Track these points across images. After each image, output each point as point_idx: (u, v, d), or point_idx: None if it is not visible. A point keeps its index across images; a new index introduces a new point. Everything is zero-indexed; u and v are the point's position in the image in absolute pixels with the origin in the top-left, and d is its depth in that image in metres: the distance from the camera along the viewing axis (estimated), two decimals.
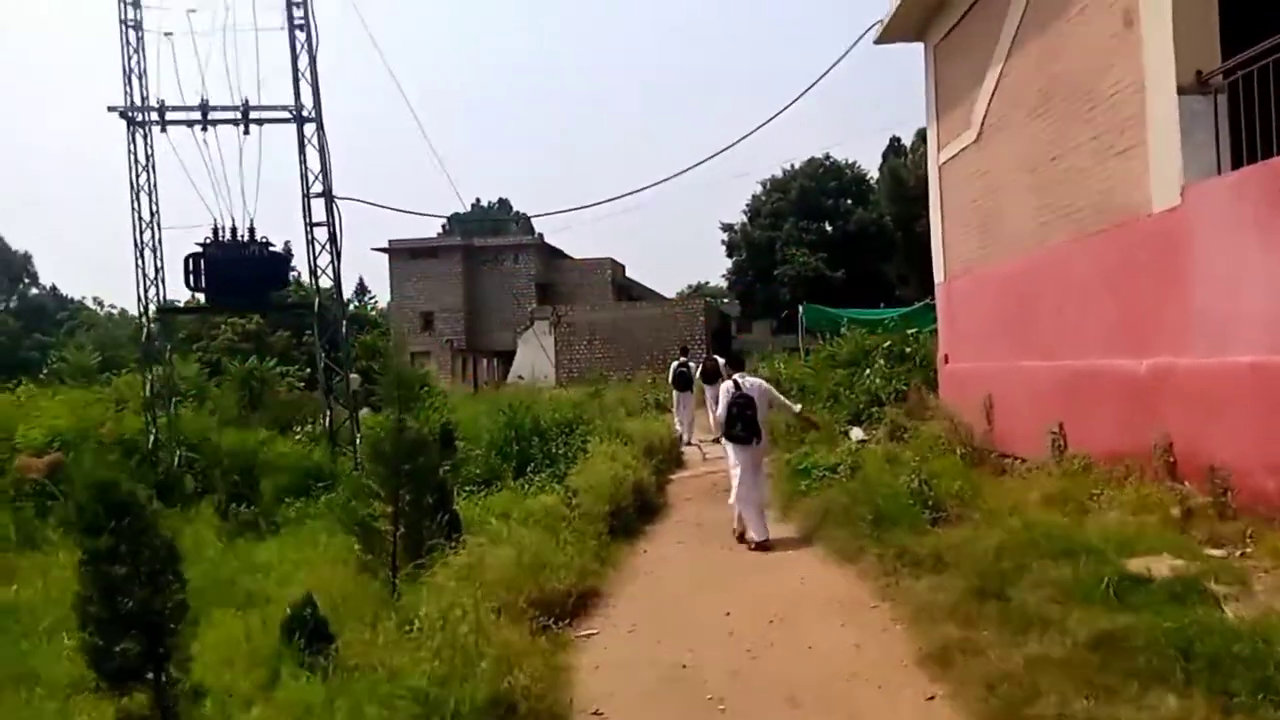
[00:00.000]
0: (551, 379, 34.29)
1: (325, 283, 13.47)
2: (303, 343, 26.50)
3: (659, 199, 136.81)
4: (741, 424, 8.07)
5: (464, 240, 52.63)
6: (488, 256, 50.97)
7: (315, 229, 13.01)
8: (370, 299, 74.41)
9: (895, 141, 47.97)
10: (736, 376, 8.27)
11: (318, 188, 13.00)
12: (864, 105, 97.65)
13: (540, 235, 54.50)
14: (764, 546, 7.75)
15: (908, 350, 15.71)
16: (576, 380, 34.63)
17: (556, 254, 53.06)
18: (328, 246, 12.94)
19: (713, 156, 23.07)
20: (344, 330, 12.97)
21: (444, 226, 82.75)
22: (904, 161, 44.40)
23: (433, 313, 50.17)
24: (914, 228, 41.80)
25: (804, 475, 9.55)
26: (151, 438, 12.96)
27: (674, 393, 16.78)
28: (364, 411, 13.87)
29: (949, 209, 11.39)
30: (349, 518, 7.12)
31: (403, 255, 50.58)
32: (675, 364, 16.85)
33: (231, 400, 18.28)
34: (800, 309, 26.72)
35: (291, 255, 24.34)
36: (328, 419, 13.02)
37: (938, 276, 11.90)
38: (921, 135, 43.36)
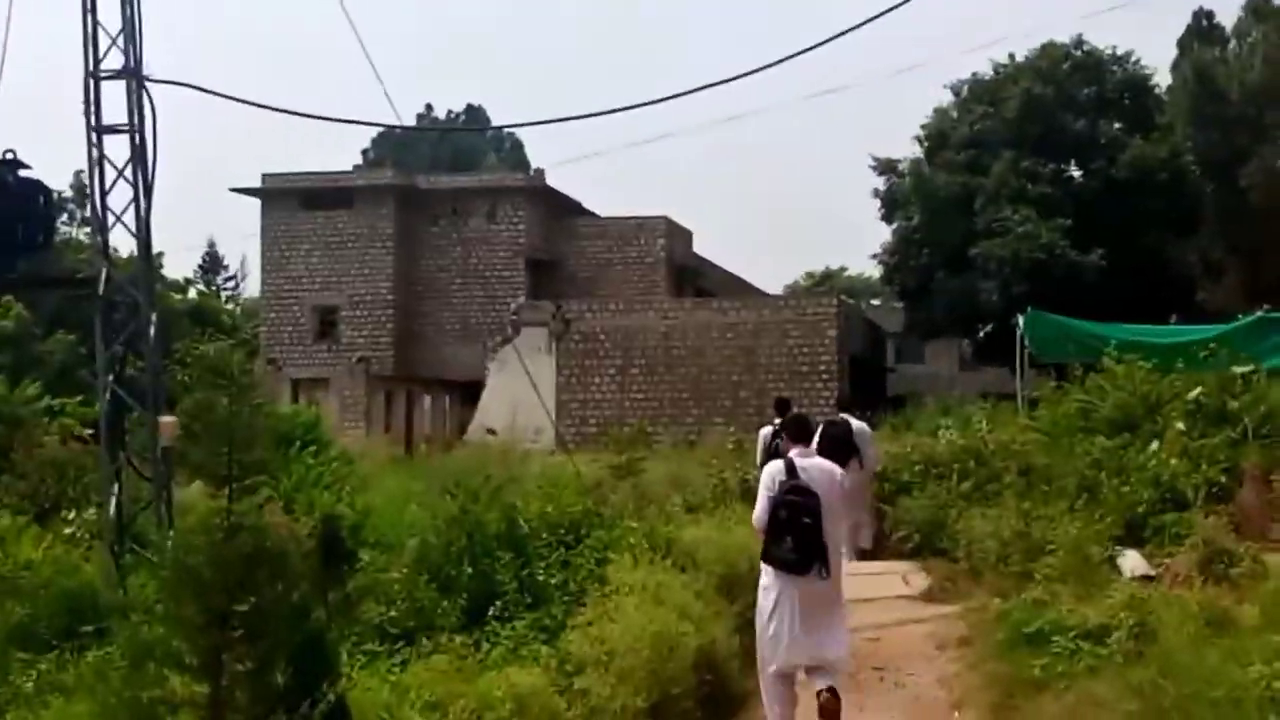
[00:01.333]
0: (547, 436, 33.85)
1: (128, 242, 13.28)
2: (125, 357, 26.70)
3: (751, 114, 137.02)
4: (793, 538, 8.54)
5: (397, 178, 52.64)
6: (440, 207, 51.27)
7: (106, 137, 12.75)
8: (227, 282, 75.63)
9: (1205, 19, 47.26)
10: (795, 453, 8.98)
11: (115, 62, 12.74)
12: None
13: (539, 172, 54.47)
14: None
15: (1233, 404, 16.12)
16: (593, 440, 34.21)
17: (566, 207, 53.23)
18: (131, 170, 12.65)
19: (847, 32, 20.54)
20: (152, 329, 12.70)
21: (366, 153, 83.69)
22: (1222, 54, 43.67)
23: (337, 308, 50.45)
24: (1235, 174, 41.14)
25: (1036, 645, 9.47)
26: None
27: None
28: (194, 487, 13.47)
29: None
30: (127, 702, 6.65)
31: (287, 202, 51.03)
32: (767, 432, 17.14)
33: None
34: (1020, 320, 26.30)
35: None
36: (113, 500, 12.62)
37: None
38: (1259, 7, 42.75)
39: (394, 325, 49.85)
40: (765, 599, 8.77)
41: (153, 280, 13.02)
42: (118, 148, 13.04)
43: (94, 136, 12.80)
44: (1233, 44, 45.62)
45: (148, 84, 12.90)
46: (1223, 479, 14.05)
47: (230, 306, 69.53)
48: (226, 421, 6.66)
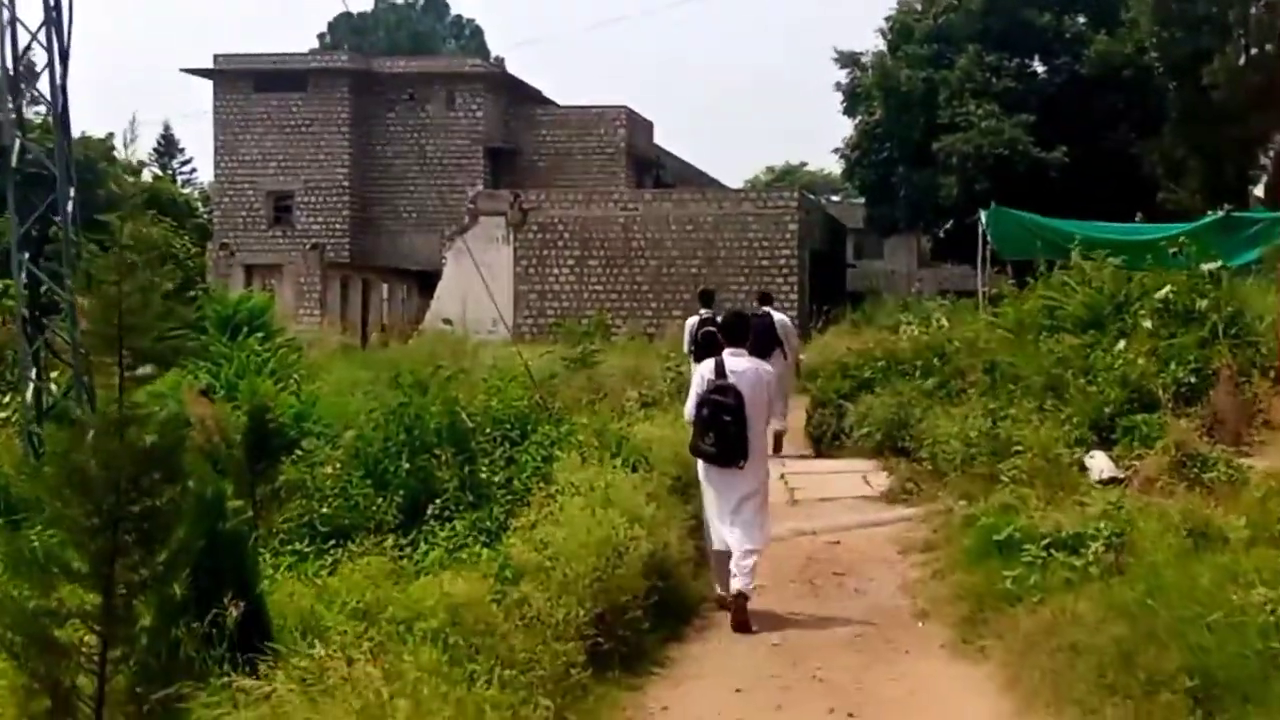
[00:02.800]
0: (503, 327, 33.42)
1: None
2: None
3: None
4: (715, 433, 9.24)
5: (353, 61, 52.01)
6: (397, 93, 50.96)
7: None
8: (185, 166, 74.44)
9: None
10: (728, 353, 9.54)
11: None
12: None
13: (499, 60, 54.12)
14: (739, 606, 9.00)
15: (1201, 303, 15.82)
16: (551, 331, 33.91)
17: (526, 95, 53.24)
18: (46, 32, 12.24)
19: None
20: (69, 203, 12.28)
21: (323, 38, 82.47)
22: None
23: (292, 194, 50.40)
24: (1198, 73, 40.47)
25: (1008, 555, 9.17)
26: None
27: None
28: (145, 369, 13.08)
29: None
30: (9, 611, 6.17)
31: (240, 84, 50.71)
32: (693, 322, 17.26)
33: None
34: (982, 216, 26.49)
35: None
36: (31, 385, 12.34)
37: None
38: None
39: (350, 212, 49.86)
40: (704, 486, 9.72)
41: (69, 152, 12.54)
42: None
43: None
44: None
45: None
46: (1192, 379, 13.88)
47: (187, 190, 68.58)
48: (116, 301, 5.93)
